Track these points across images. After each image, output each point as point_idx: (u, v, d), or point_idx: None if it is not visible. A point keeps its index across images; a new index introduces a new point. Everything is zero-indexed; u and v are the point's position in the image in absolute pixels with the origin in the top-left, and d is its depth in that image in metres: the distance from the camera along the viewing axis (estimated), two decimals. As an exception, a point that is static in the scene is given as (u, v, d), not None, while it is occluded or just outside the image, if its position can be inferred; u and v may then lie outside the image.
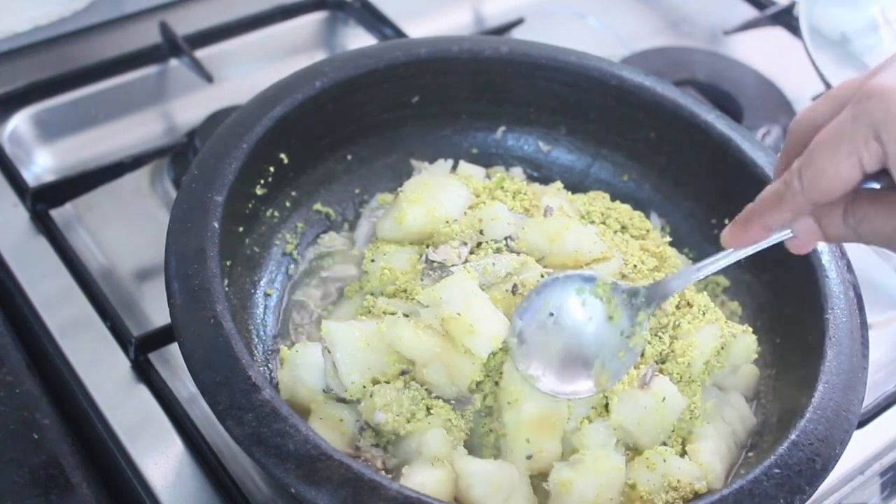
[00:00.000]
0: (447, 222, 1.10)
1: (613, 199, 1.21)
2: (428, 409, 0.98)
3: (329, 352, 0.99)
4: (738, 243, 0.92)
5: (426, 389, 0.99)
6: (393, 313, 1.02)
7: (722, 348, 1.04)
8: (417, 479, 0.92)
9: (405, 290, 1.06)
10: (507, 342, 0.99)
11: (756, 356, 1.08)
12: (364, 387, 0.98)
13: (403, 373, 0.99)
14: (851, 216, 0.84)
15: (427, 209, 1.10)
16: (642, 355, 1.02)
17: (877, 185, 0.82)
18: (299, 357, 1.00)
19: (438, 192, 1.13)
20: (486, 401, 1.00)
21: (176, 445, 1.05)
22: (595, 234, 1.09)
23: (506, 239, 1.09)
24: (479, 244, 1.09)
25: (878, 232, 0.83)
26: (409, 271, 1.07)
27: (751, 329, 1.07)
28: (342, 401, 1.00)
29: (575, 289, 1.01)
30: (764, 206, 0.88)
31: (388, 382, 0.99)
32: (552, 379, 0.98)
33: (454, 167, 1.25)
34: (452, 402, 0.99)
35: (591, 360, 1.00)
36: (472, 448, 1.00)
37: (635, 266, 1.09)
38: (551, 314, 1.00)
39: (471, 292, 0.99)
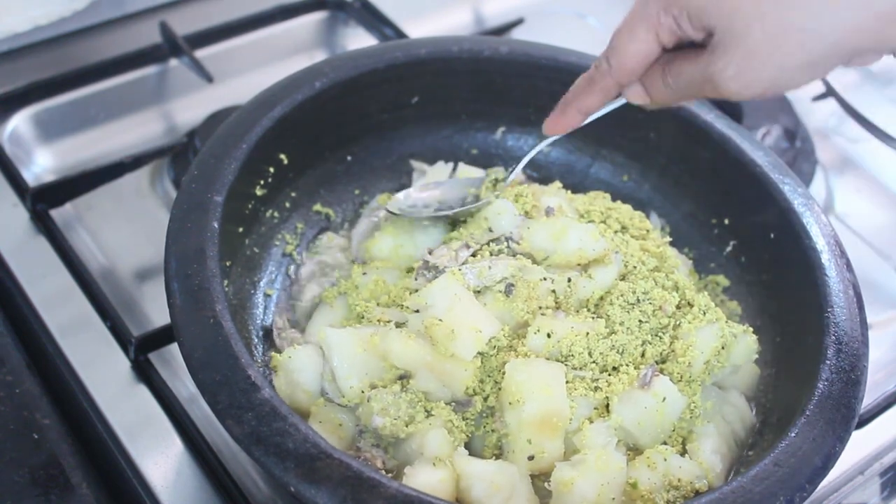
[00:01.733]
0: (412, 259, 1.12)
1: (613, 199, 1.21)
2: (427, 411, 0.98)
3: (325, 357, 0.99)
4: (558, 130, 1.01)
5: (424, 392, 0.99)
6: (388, 321, 1.03)
7: (722, 348, 1.04)
8: (419, 479, 0.92)
9: (400, 298, 1.06)
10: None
11: (756, 356, 1.08)
12: (362, 391, 0.98)
13: (401, 377, 0.99)
14: (669, 76, 0.93)
15: (396, 245, 1.12)
16: (643, 356, 1.02)
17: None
18: (292, 363, 1.00)
19: (414, 229, 1.14)
20: (488, 401, 1.00)
21: (176, 445, 1.05)
22: (596, 230, 1.09)
23: (507, 240, 1.09)
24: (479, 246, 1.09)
25: (691, 82, 0.91)
26: (401, 285, 1.08)
27: (751, 329, 1.07)
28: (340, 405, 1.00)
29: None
30: (577, 91, 0.98)
31: (385, 387, 0.99)
32: None
33: (454, 169, 1.25)
34: (452, 404, 0.99)
35: None
36: (474, 448, 1.00)
37: (635, 266, 1.09)
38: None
39: (455, 295, 1.00)
